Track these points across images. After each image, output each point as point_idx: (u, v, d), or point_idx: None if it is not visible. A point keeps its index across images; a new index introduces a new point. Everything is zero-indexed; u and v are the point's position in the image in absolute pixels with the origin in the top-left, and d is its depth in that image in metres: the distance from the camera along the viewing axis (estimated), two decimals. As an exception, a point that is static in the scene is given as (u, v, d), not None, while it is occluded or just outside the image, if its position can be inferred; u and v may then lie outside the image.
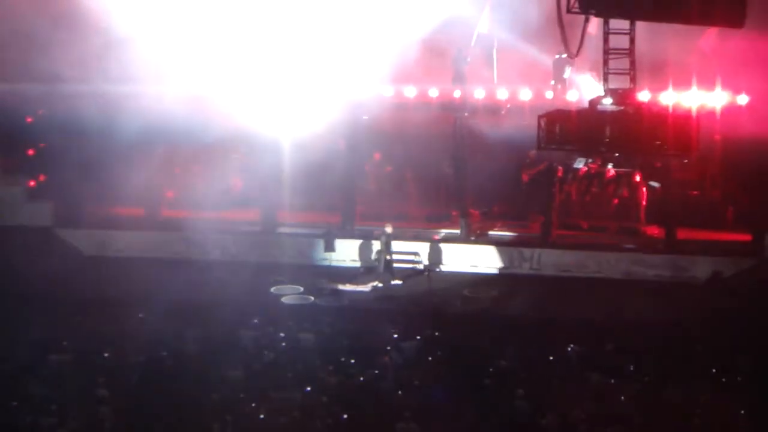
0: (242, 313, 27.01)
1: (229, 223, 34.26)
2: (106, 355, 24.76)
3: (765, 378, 23.25)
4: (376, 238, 32.17)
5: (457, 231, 33.51)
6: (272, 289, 30.56)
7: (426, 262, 32.29)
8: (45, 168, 35.43)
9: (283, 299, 30.02)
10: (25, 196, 35.35)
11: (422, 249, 32.64)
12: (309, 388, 23.05)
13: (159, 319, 26.58)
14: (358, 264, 32.79)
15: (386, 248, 31.78)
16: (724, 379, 23.26)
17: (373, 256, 32.32)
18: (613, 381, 23.36)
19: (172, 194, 35.78)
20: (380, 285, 31.34)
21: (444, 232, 33.47)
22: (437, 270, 32.15)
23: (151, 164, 34.14)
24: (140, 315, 26.93)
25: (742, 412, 21.64)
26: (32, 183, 35.77)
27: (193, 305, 27.86)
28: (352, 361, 24.57)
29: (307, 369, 24.05)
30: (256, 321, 26.60)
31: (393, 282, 31.43)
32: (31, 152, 36.04)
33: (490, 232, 33.88)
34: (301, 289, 30.63)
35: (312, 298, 30.13)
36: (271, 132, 34.32)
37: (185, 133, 34.10)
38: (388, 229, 31.94)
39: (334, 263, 32.95)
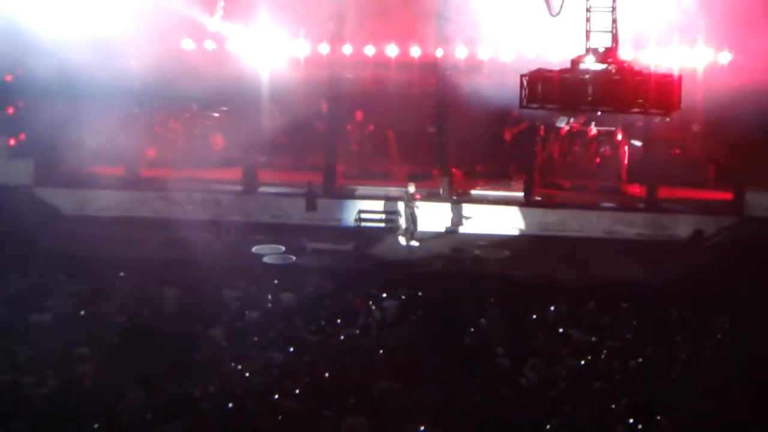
0: (223, 272, 26.93)
1: (210, 183, 34.14)
2: (86, 313, 24.70)
3: (744, 335, 23.37)
4: (399, 198, 32.13)
5: (439, 190, 33.49)
6: (253, 249, 30.51)
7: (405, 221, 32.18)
8: (25, 127, 35.16)
9: (265, 259, 29.96)
10: (5, 154, 35.13)
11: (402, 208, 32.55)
12: (290, 348, 23.01)
13: (140, 278, 26.55)
14: (339, 223, 32.85)
15: (410, 207, 31.66)
16: (705, 337, 23.34)
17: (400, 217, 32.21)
18: (594, 339, 23.40)
19: (152, 153, 35.69)
20: (412, 244, 31.40)
21: (425, 191, 33.21)
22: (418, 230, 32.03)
23: (131, 123, 33.99)
24: (121, 274, 26.82)
25: (723, 369, 21.74)
26: (12, 142, 35.51)
27: (174, 264, 27.84)
28: (334, 320, 24.54)
29: (288, 328, 24.03)
30: (237, 280, 26.54)
31: (413, 243, 31.41)
32: (10, 111, 35.75)
33: (472, 192, 33.84)
34: (283, 248, 30.58)
35: (293, 257, 30.07)
36: (253, 91, 34.22)
37: (166, 91, 34.03)
38: (411, 189, 31.80)
39: (316, 223, 32.93)
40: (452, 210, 32.71)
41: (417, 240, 31.49)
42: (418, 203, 31.62)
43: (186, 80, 34.25)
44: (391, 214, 32.70)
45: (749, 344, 22.95)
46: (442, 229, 32.49)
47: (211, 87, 35.16)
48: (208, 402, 20.36)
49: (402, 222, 31.87)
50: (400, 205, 32.04)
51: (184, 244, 29.64)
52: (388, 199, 33.09)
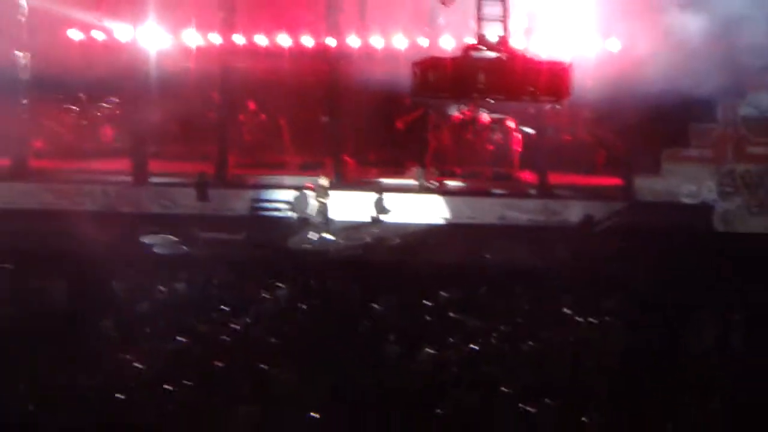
0: (112, 263, 26.52)
1: (99, 173, 33.70)
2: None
3: (631, 317, 23.65)
4: (312, 190, 31.69)
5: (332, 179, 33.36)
6: (144, 239, 30.12)
7: (299, 210, 31.99)
8: None
9: (155, 249, 29.61)
10: None
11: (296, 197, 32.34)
12: (181, 338, 22.73)
13: (26, 270, 26.02)
14: (231, 213, 32.59)
15: (323, 200, 31.35)
16: (592, 320, 23.57)
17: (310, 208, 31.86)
18: (486, 323, 23.46)
19: (40, 144, 35.20)
20: (319, 237, 31.00)
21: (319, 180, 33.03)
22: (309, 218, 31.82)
23: (18, 114, 33.46)
24: (6, 266, 26.28)
25: (609, 351, 21.98)
26: None
27: (61, 256, 27.38)
28: (225, 309, 24.31)
29: (179, 318, 23.76)
30: (126, 271, 26.15)
31: (328, 236, 31.06)
32: None
33: (366, 180, 33.82)
34: (174, 238, 30.24)
35: (184, 247, 29.76)
36: (144, 81, 33.85)
37: (54, 82, 33.58)
38: (323, 182, 31.48)
39: (207, 212, 32.64)
40: (348, 199, 32.61)
41: (328, 232, 31.23)
42: (329, 195, 31.41)
43: (75, 71, 33.79)
44: (288, 203, 32.46)
45: (638, 326, 23.22)
46: (338, 218, 32.35)
47: (101, 78, 34.82)
48: (96, 393, 20.02)
49: (313, 215, 31.53)
50: (311, 197, 31.73)
51: (72, 235, 29.18)
52: (283, 188, 32.88)
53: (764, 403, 19.44)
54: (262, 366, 21.42)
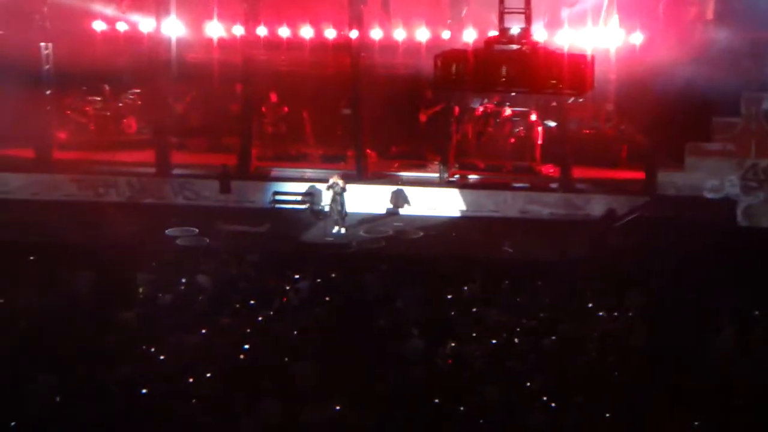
0: (136, 255, 26.64)
1: (122, 165, 33.82)
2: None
3: (653, 313, 23.62)
4: (330, 186, 31.46)
5: (354, 171, 33.42)
6: (167, 231, 30.22)
7: (319, 203, 32.06)
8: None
9: (178, 241, 29.70)
10: None
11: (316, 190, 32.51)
12: (204, 330, 22.81)
13: (51, 262, 26.12)
14: (253, 205, 32.66)
15: (338, 197, 31.26)
16: (614, 314, 23.57)
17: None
18: (508, 318, 23.47)
19: (64, 136, 35.35)
20: (341, 230, 31.01)
21: (340, 172, 32.99)
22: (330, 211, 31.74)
23: (42, 105, 33.61)
24: (31, 258, 26.40)
25: (631, 346, 21.97)
26: None
27: (85, 247, 27.46)
28: (248, 302, 24.37)
29: (201, 311, 23.82)
30: (150, 263, 26.24)
31: (341, 230, 31.02)
32: None
33: (388, 173, 33.83)
34: (196, 230, 30.33)
35: (207, 239, 29.83)
36: (166, 72, 33.96)
37: (78, 73, 33.69)
38: (339, 180, 31.37)
39: (230, 205, 32.74)
40: (369, 192, 32.63)
41: (343, 226, 31.22)
42: (345, 190, 31.35)
43: (98, 62, 33.91)
44: (307, 196, 32.52)
45: (660, 321, 23.19)
46: (359, 211, 32.36)
47: (124, 69, 34.96)
48: (120, 385, 20.10)
49: (330, 210, 31.47)
50: (327, 195, 31.67)
51: (96, 227, 29.30)
52: (305, 180, 32.94)
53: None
54: (283, 359, 21.53)
